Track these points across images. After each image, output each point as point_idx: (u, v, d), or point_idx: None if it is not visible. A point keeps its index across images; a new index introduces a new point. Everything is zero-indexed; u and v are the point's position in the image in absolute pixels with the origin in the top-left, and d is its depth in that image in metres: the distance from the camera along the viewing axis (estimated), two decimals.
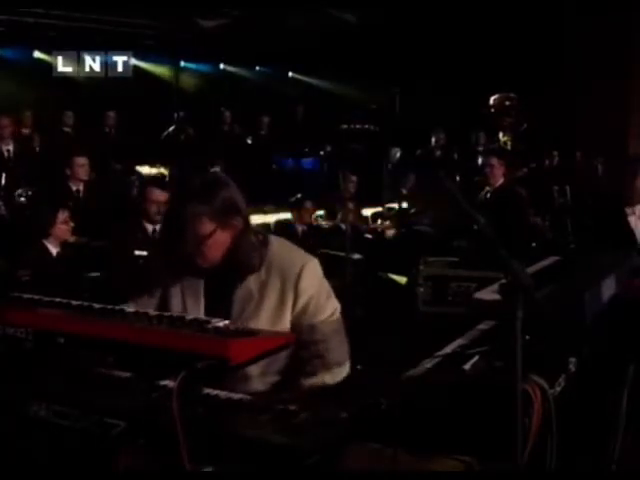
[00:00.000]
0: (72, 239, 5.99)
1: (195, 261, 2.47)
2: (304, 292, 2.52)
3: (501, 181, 6.77)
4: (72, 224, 5.87)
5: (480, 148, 11.24)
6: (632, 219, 6.22)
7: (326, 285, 2.60)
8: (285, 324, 2.52)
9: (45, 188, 7.58)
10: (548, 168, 11.37)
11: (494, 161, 6.78)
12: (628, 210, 5.91)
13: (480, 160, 7.02)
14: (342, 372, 2.55)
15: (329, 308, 2.57)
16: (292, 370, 2.53)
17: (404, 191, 8.94)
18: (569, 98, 12.39)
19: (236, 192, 2.52)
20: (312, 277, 2.55)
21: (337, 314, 2.59)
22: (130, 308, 2.42)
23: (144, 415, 1.88)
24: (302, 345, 2.48)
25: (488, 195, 6.78)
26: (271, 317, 2.51)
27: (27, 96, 11.24)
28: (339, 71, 13.50)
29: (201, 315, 2.47)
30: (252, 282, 2.53)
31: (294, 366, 2.52)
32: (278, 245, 2.61)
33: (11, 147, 8.41)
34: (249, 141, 12.05)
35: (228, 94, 13.24)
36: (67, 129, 10.52)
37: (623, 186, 6.17)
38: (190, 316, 2.05)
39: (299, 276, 2.52)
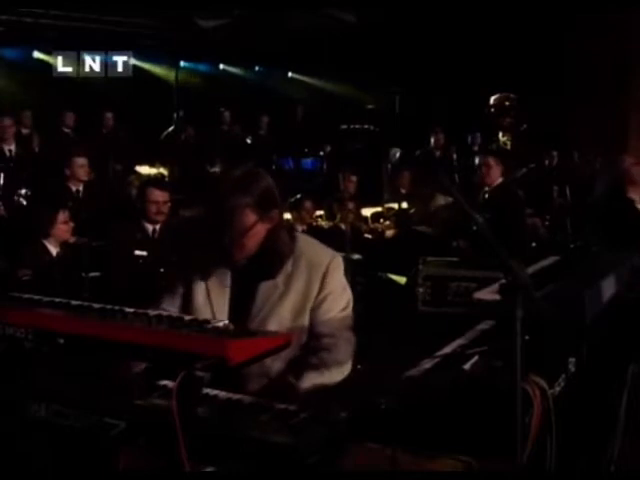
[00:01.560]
0: (72, 239, 6.00)
1: (231, 253, 2.53)
2: (328, 286, 2.60)
3: (498, 181, 6.76)
4: (72, 224, 5.88)
5: (475, 148, 11.25)
6: None
7: (344, 280, 2.70)
8: (306, 316, 2.60)
9: (45, 188, 7.58)
10: (548, 168, 11.37)
11: (491, 161, 6.77)
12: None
13: (477, 160, 7.01)
14: (343, 371, 2.60)
15: (344, 301, 2.66)
16: (299, 360, 2.58)
17: (404, 191, 8.94)
18: (569, 98, 12.39)
19: (273, 185, 2.60)
20: (338, 272, 2.65)
21: (349, 307, 2.68)
22: (154, 309, 2.47)
23: (144, 415, 1.88)
24: (313, 336, 2.59)
25: (485, 195, 6.78)
26: (294, 309, 2.59)
27: (27, 96, 11.24)
28: (339, 71, 13.50)
29: (226, 307, 2.58)
30: (278, 275, 2.59)
31: (302, 357, 2.58)
32: (305, 240, 2.71)
33: (13, 147, 8.41)
34: (249, 141, 12.04)
35: (228, 94, 13.23)
36: (67, 129, 10.51)
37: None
38: (189, 316, 2.06)
39: (327, 270, 2.61)
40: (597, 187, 7.78)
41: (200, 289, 2.62)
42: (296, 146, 12.35)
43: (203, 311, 2.59)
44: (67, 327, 1.98)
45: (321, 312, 2.60)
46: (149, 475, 1.86)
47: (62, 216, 5.78)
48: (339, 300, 2.64)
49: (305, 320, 2.60)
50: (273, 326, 2.54)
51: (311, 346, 2.60)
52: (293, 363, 2.57)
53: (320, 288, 2.60)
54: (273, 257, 2.57)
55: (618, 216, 6.22)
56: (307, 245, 2.67)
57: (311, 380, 2.50)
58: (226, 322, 2.00)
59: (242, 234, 2.49)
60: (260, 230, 2.53)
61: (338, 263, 2.66)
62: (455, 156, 11.17)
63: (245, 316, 2.58)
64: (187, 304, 2.65)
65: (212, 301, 2.60)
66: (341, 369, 2.59)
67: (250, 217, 2.50)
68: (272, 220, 2.55)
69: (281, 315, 2.57)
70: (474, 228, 1.99)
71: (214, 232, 2.51)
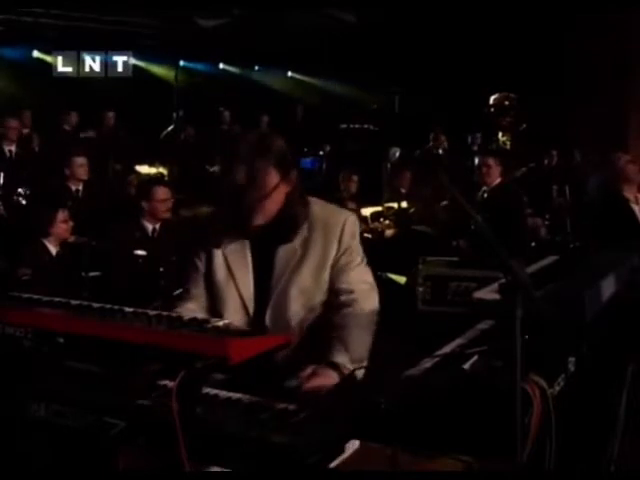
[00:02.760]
0: (72, 239, 6.00)
1: (251, 218, 2.53)
2: (344, 243, 2.66)
3: (498, 181, 6.77)
4: (71, 223, 5.87)
5: (475, 148, 11.24)
6: (636, 208, 6.23)
7: (359, 237, 2.75)
8: (325, 277, 2.65)
9: (44, 188, 7.58)
10: (547, 168, 11.36)
11: (491, 161, 6.78)
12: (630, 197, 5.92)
13: (477, 160, 7.01)
14: (373, 319, 2.67)
15: (360, 256, 2.72)
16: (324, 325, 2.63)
17: (404, 191, 8.94)
18: (569, 98, 12.38)
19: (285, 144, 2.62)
20: (354, 230, 2.70)
21: (365, 261, 2.74)
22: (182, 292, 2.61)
23: (144, 415, 1.88)
24: (334, 293, 2.65)
25: (485, 195, 6.78)
26: (314, 271, 2.63)
27: (27, 96, 11.24)
28: (339, 71, 13.50)
29: (249, 278, 2.61)
30: (295, 239, 2.63)
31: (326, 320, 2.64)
32: (318, 203, 2.73)
33: (13, 148, 8.43)
34: None
35: (228, 94, 13.24)
36: (67, 127, 10.50)
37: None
38: (189, 316, 2.06)
39: (342, 229, 2.66)
40: (591, 184, 7.79)
41: (220, 265, 2.64)
42: (296, 146, 12.35)
43: (226, 286, 2.63)
44: (67, 327, 1.98)
45: (340, 269, 2.65)
46: (149, 475, 1.86)
47: (61, 215, 5.78)
48: (355, 255, 2.69)
49: (325, 280, 2.65)
50: (295, 290, 2.60)
51: (333, 304, 2.64)
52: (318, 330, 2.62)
53: (338, 247, 2.65)
54: (291, 221, 2.60)
55: (612, 215, 6.22)
56: (321, 208, 2.71)
57: (343, 346, 2.53)
58: (226, 321, 2.00)
59: (266, 196, 2.50)
60: (281, 192, 2.55)
61: (353, 221, 2.71)
62: (454, 156, 11.18)
63: (267, 284, 2.63)
64: (210, 282, 2.67)
65: (234, 274, 2.63)
66: (369, 318, 2.65)
67: (274, 178, 2.52)
68: (291, 182, 2.58)
69: (302, 278, 2.61)
70: (473, 228, 1.99)
71: (234, 197, 2.50)
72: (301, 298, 2.63)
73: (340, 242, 2.65)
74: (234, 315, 2.59)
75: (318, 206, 2.71)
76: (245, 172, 2.47)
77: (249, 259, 2.64)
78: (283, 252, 2.62)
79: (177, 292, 2.80)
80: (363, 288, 2.69)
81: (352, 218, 2.73)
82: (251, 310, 2.63)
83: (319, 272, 2.64)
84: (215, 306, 2.67)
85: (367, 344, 2.62)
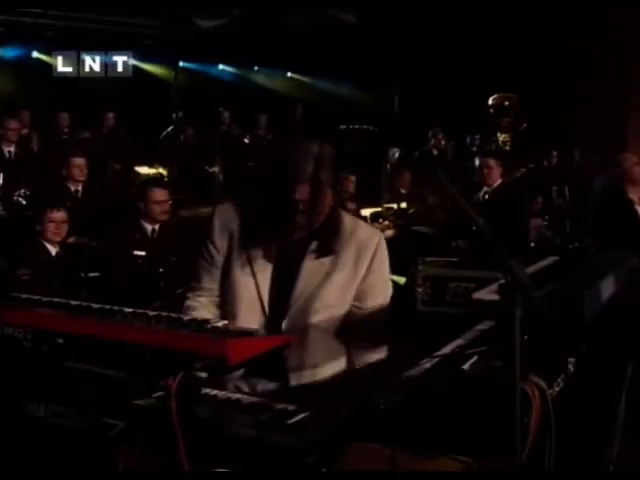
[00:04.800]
0: (72, 239, 6.00)
1: (299, 231, 2.50)
2: (375, 266, 2.63)
3: (498, 182, 6.77)
4: (66, 225, 5.84)
5: (474, 149, 11.24)
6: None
7: (387, 261, 2.73)
8: (351, 294, 2.62)
9: (44, 188, 7.58)
10: (547, 168, 11.36)
11: (491, 162, 6.78)
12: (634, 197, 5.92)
13: (477, 161, 7.01)
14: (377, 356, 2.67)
15: (389, 290, 2.74)
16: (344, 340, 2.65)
17: (403, 191, 8.94)
18: (568, 98, 12.38)
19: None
20: (384, 254, 2.67)
21: (389, 298, 2.74)
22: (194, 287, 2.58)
23: (143, 415, 1.88)
24: (357, 314, 2.64)
25: (486, 196, 6.78)
26: (340, 289, 2.59)
27: (26, 96, 11.23)
28: (338, 71, 13.50)
29: (268, 281, 2.55)
30: (325, 258, 2.58)
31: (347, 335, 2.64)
32: (349, 218, 2.70)
33: (12, 149, 8.43)
34: (246, 141, 12.04)
35: (227, 94, 13.24)
36: (62, 128, 10.51)
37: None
38: (188, 316, 2.06)
39: (375, 252, 2.62)
40: (596, 185, 7.78)
41: (243, 263, 2.58)
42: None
43: (245, 284, 2.57)
44: (66, 327, 1.98)
45: (364, 291, 2.63)
46: (148, 475, 1.86)
47: (52, 215, 5.74)
48: (384, 288, 2.71)
49: (350, 298, 2.62)
50: (319, 304, 2.56)
51: (355, 325, 2.64)
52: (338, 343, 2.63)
53: (368, 269, 2.61)
54: (330, 234, 2.55)
55: (616, 216, 6.21)
56: (352, 222, 2.66)
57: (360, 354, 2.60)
58: (225, 322, 2.00)
59: (324, 210, 2.48)
60: (329, 205, 2.53)
61: (384, 242, 2.68)
62: (453, 156, 11.18)
63: (288, 291, 2.57)
64: (227, 277, 2.62)
65: (256, 274, 2.57)
66: (375, 354, 2.66)
67: (330, 193, 2.49)
68: (336, 193, 2.56)
69: (328, 294, 2.56)
70: (474, 228, 1.99)
71: (285, 207, 2.42)
72: (324, 313, 2.59)
73: (371, 264, 2.62)
74: (249, 314, 2.56)
75: (350, 220, 2.67)
76: (310, 187, 2.41)
77: (272, 262, 2.58)
78: (311, 263, 2.57)
79: (191, 284, 2.72)
80: (381, 317, 2.71)
81: (383, 240, 2.69)
82: (267, 312, 2.58)
83: (345, 290, 2.60)
84: (228, 302, 2.62)
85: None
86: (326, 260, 2.57)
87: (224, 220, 2.62)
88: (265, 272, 2.58)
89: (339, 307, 2.62)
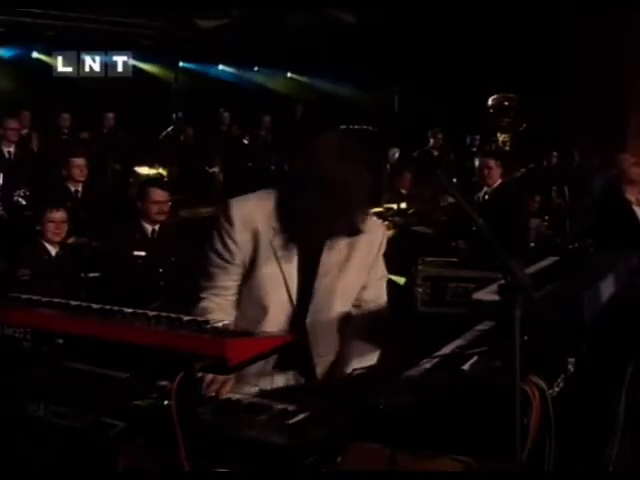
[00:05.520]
0: (72, 239, 6.00)
1: (340, 228, 2.57)
2: (380, 254, 2.77)
3: (498, 182, 6.77)
4: (67, 226, 5.84)
5: (474, 149, 11.24)
6: (638, 210, 6.23)
7: None
8: (362, 283, 2.73)
9: (44, 188, 7.58)
10: (546, 168, 11.36)
11: (491, 162, 6.78)
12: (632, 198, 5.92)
13: (477, 161, 7.01)
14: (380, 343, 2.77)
15: (384, 270, 2.84)
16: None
17: (404, 191, 8.94)
18: (569, 98, 12.39)
19: None
20: (386, 242, 2.79)
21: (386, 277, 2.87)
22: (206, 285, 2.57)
23: (143, 415, 1.88)
24: (361, 303, 2.76)
25: (486, 196, 6.78)
26: (357, 272, 2.68)
27: (26, 96, 11.23)
28: (338, 71, 13.50)
29: (295, 270, 2.59)
30: (340, 244, 2.63)
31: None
32: None
33: (12, 149, 8.43)
34: (245, 141, 12.04)
35: (227, 95, 13.23)
36: (63, 128, 10.51)
37: None
38: (188, 317, 2.05)
39: (382, 241, 2.75)
40: (594, 185, 7.79)
41: (270, 257, 2.58)
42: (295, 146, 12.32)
43: (273, 279, 2.59)
44: (66, 327, 1.98)
45: (373, 277, 2.75)
46: (148, 475, 1.86)
47: (51, 215, 5.74)
48: (383, 269, 2.82)
49: (364, 281, 2.73)
50: (340, 288, 2.65)
51: (357, 313, 2.74)
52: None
53: (376, 255, 2.73)
54: (351, 227, 2.63)
55: (614, 216, 6.22)
56: None
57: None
58: (225, 322, 2.00)
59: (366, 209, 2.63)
60: None
61: (385, 232, 2.84)
62: (453, 156, 11.18)
63: (311, 279, 2.63)
64: (254, 274, 2.60)
65: (282, 267, 2.58)
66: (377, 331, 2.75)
67: None
68: None
69: (348, 277, 2.65)
70: (473, 229, 1.99)
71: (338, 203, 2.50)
72: (345, 296, 2.69)
73: (378, 253, 2.74)
74: (279, 306, 2.59)
75: None
76: (364, 183, 2.57)
77: (295, 252, 2.60)
78: (329, 249, 2.62)
79: (204, 284, 2.65)
80: (381, 303, 2.81)
81: (385, 228, 2.90)
82: (294, 301, 2.61)
83: (361, 273, 2.70)
84: (254, 297, 2.61)
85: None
86: (343, 245, 2.63)
87: (246, 216, 2.58)
88: (291, 262, 2.60)
89: (356, 291, 2.72)
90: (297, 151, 2.84)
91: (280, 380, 2.64)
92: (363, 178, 2.57)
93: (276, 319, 2.57)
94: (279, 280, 2.58)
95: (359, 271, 2.69)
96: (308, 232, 2.55)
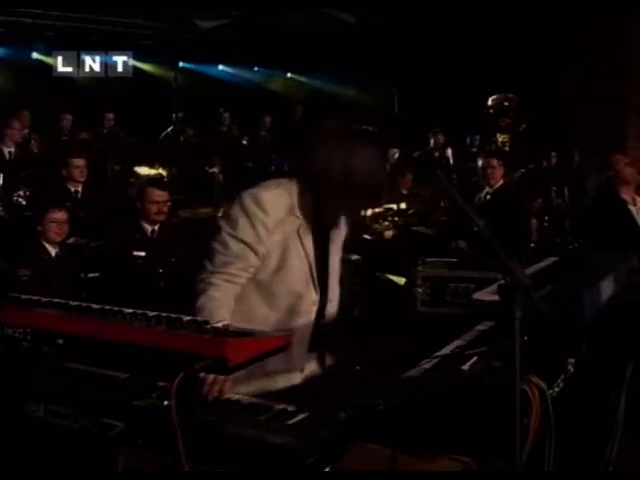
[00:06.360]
0: (71, 240, 5.99)
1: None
2: None
3: (500, 182, 6.77)
4: (67, 226, 5.83)
5: (474, 149, 11.22)
6: (633, 210, 6.24)
7: None
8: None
9: (44, 189, 7.58)
10: (546, 169, 11.36)
11: (494, 162, 6.77)
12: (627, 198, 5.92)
13: (480, 162, 7.00)
14: None
15: None
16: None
17: (404, 191, 8.94)
18: (568, 99, 12.38)
19: None
20: None
21: None
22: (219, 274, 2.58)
23: (144, 415, 1.88)
24: None
25: (488, 197, 6.78)
26: (338, 253, 2.88)
27: (26, 96, 11.22)
28: (338, 71, 13.49)
29: (313, 260, 2.71)
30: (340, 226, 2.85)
31: None
32: None
33: (12, 149, 8.43)
34: (244, 142, 12.04)
35: (227, 95, 13.23)
36: (64, 129, 10.51)
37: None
38: (188, 317, 2.05)
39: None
40: (590, 186, 7.80)
41: (295, 244, 2.68)
42: (295, 146, 12.32)
43: (301, 264, 2.69)
44: (66, 327, 1.98)
45: None
46: (148, 475, 1.86)
47: (53, 216, 5.74)
48: None
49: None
50: (335, 274, 2.84)
51: None
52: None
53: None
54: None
55: (610, 216, 6.23)
56: None
57: None
58: (225, 322, 1.99)
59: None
60: None
61: None
62: (452, 156, 11.16)
63: (325, 259, 2.79)
64: (282, 261, 2.66)
65: (306, 250, 2.69)
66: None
67: None
68: None
69: (335, 259, 2.84)
70: (474, 229, 1.99)
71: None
72: (337, 273, 2.87)
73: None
74: (309, 294, 2.71)
75: None
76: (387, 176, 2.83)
77: (311, 238, 2.72)
78: (332, 235, 2.82)
79: (213, 269, 2.61)
80: None
81: None
82: (317, 284, 2.74)
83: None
84: (281, 285, 2.67)
85: None
86: (339, 231, 2.85)
87: (276, 205, 2.65)
88: (310, 248, 2.71)
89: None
90: (310, 139, 2.99)
91: (281, 380, 2.65)
92: (374, 163, 2.76)
93: (307, 305, 2.70)
94: (306, 266, 2.70)
95: (339, 250, 2.89)
96: (329, 221, 2.75)
